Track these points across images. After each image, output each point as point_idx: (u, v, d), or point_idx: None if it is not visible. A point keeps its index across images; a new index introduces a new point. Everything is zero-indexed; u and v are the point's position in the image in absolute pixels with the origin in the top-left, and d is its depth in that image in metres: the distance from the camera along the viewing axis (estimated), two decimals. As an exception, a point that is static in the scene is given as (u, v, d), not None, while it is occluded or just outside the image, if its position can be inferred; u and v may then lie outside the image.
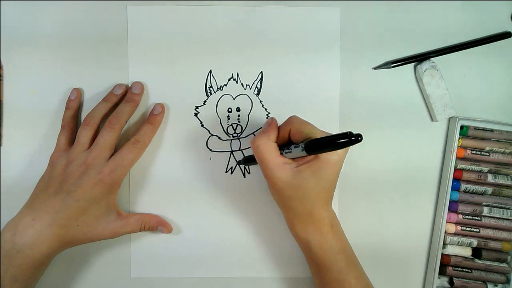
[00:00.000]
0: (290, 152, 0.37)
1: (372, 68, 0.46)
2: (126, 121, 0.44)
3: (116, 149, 0.43)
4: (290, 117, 0.39)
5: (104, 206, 0.41)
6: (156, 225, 0.44)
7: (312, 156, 0.37)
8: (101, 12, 0.45)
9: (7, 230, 0.39)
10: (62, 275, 0.45)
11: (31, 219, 0.39)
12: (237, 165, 0.46)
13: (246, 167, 0.46)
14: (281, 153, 0.38)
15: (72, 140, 0.43)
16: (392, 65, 0.46)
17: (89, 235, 0.41)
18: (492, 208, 0.46)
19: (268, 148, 0.38)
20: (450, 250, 0.46)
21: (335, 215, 0.41)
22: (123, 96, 0.45)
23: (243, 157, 0.45)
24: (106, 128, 0.42)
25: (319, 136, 0.36)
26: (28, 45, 0.45)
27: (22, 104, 0.45)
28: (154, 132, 0.44)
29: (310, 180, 0.36)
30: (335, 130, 0.46)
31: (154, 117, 0.44)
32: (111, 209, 0.42)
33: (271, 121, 0.40)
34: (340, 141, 0.33)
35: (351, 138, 0.32)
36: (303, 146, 0.36)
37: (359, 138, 0.32)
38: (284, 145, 0.39)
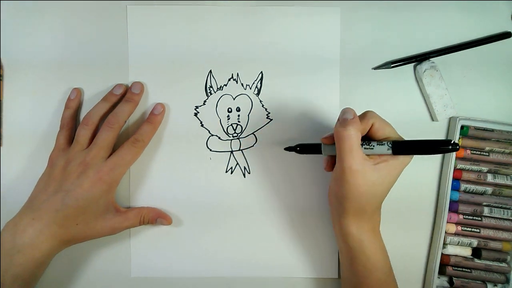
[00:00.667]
0: (372, 148, 0.37)
1: (372, 68, 0.46)
2: (125, 121, 0.44)
3: (115, 149, 0.43)
4: (370, 112, 0.38)
5: (103, 205, 0.41)
6: (155, 217, 0.44)
7: (388, 156, 0.37)
8: (101, 12, 0.45)
9: (7, 230, 0.39)
10: (62, 274, 0.45)
11: (31, 219, 0.39)
12: (237, 165, 0.46)
13: (246, 167, 0.46)
14: None
15: (71, 140, 0.43)
16: (392, 65, 0.46)
17: (89, 233, 0.41)
18: (492, 208, 0.46)
19: (358, 140, 0.36)
20: (450, 250, 0.46)
21: None
22: (123, 96, 0.45)
23: (297, 144, 0.42)
24: (104, 128, 0.42)
25: (399, 138, 0.38)
26: (28, 45, 0.45)
27: (22, 104, 0.45)
28: (154, 131, 0.44)
29: (386, 179, 0.37)
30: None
31: (154, 116, 0.44)
32: (110, 207, 0.42)
33: (353, 113, 0.38)
34: (441, 148, 0.35)
35: (450, 147, 0.35)
36: (389, 145, 0.36)
37: (458, 148, 0.35)
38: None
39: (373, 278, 0.39)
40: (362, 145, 0.37)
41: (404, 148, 0.37)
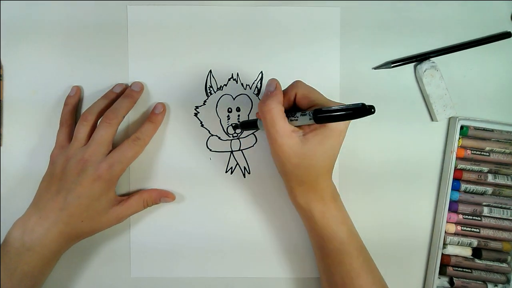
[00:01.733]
0: (296, 120, 0.36)
1: (372, 68, 0.46)
2: (123, 117, 0.43)
3: (115, 147, 0.43)
4: (296, 81, 0.38)
5: (105, 201, 0.41)
6: (158, 197, 0.44)
7: (317, 125, 0.36)
8: (101, 12, 0.45)
9: (16, 229, 0.39)
10: (62, 275, 0.45)
11: (38, 218, 0.39)
12: (237, 165, 0.46)
13: (246, 167, 0.46)
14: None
15: (71, 137, 0.43)
16: (392, 65, 0.46)
17: (95, 227, 0.42)
18: (492, 208, 0.46)
19: (279, 113, 0.36)
20: (450, 250, 0.46)
21: (335, 187, 0.41)
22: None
23: (238, 122, 0.45)
24: (102, 124, 0.41)
25: (326, 104, 0.36)
26: (28, 45, 0.45)
27: (22, 104, 0.45)
28: (155, 130, 0.44)
29: (317, 148, 0.36)
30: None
31: (155, 116, 0.44)
32: (112, 202, 0.42)
33: (276, 84, 0.37)
34: (353, 112, 0.32)
35: (365, 109, 0.31)
36: (311, 114, 0.35)
37: (372, 110, 0.31)
38: (287, 111, 0.38)
39: (330, 248, 0.40)
40: (288, 117, 0.37)
41: (324, 115, 0.34)
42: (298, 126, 0.37)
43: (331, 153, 0.37)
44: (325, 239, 0.40)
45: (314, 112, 0.35)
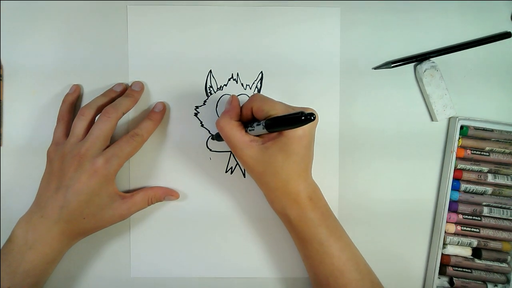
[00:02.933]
0: (253, 129, 0.38)
1: (372, 68, 0.46)
2: (123, 113, 0.42)
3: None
4: (253, 95, 0.39)
5: (106, 196, 0.41)
6: (163, 195, 0.44)
7: (275, 134, 0.37)
8: (101, 12, 0.45)
9: (19, 227, 0.39)
10: (62, 275, 0.45)
11: (39, 217, 0.39)
12: (237, 165, 0.46)
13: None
14: (246, 131, 0.39)
15: (67, 133, 0.43)
16: (392, 65, 0.46)
17: (98, 224, 0.41)
18: (492, 208, 0.46)
19: (231, 128, 0.38)
20: (450, 250, 0.46)
21: (315, 187, 0.41)
22: (122, 94, 0.44)
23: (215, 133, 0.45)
24: (101, 118, 0.41)
25: (279, 113, 0.36)
26: (28, 45, 0.45)
27: (22, 104, 0.45)
28: (154, 128, 0.44)
29: (278, 155, 0.37)
30: (335, 130, 0.46)
31: (155, 114, 0.44)
32: (113, 196, 0.41)
33: (231, 100, 0.40)
34: (293, 120, 0.33)
35: (303, 118, 0.32)
36: (264, 124, 0.36)
37: (312, 118, 0.31)
38: (248, 122, 0.39)
39: (310, 249, 0.40)
40: (247, 127, 0.38)
41: (273, 124, 0.35)
42: (259, 136, 0.38)
43: (296, 158, 0.37)
44: (304, 241, 0.40)
45: (266, 122, 0.36)
